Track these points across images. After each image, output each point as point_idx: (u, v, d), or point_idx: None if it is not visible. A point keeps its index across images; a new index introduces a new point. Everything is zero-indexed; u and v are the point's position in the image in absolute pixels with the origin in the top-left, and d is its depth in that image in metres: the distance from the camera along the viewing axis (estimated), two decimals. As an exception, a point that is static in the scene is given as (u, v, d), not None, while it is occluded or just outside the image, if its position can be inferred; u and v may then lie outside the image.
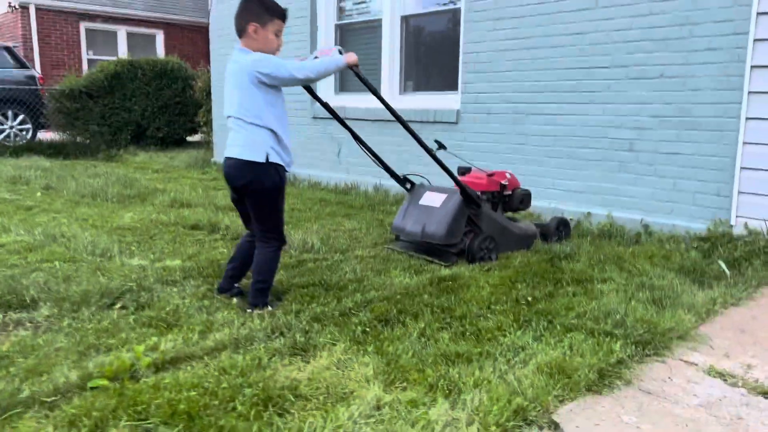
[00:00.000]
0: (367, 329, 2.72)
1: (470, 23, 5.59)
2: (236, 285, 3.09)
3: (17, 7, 15.16)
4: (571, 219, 4.93)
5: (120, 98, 10.92)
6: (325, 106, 3.52)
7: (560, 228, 4.40)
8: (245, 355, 2.42)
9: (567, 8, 4.89)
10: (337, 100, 7.16)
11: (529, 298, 3.17)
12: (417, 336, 2.66)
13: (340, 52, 3.05)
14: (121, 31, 17.03)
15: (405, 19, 6.48)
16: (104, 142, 10.60)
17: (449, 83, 6.09)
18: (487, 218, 3.95)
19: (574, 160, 5.01)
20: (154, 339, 2.53)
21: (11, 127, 10.58)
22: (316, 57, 3.11)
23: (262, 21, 2.82)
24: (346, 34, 7.20)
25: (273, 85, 2.81)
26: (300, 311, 2.91)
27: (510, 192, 4.23)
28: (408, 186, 4.14)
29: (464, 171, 4.19)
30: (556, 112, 5.07)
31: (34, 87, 10.83)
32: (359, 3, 7.06)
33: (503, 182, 4.15)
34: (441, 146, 3.91)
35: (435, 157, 3.80)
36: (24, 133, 10.79)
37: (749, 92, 4.03)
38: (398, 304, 3.02)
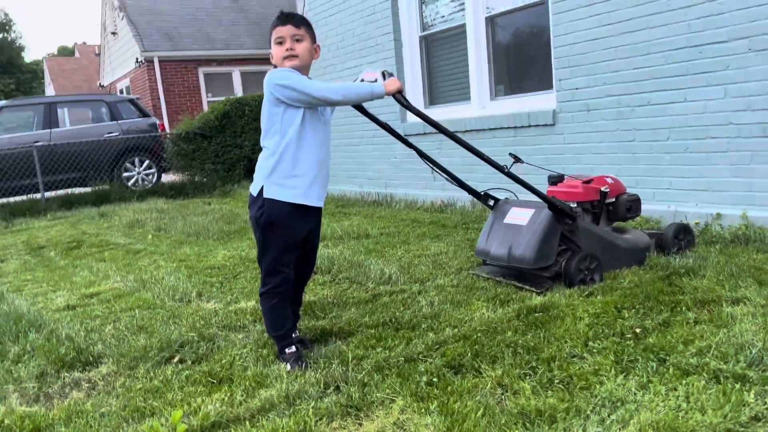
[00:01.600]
0: (435, 379, 2.35)
1: (559, 14, 5.04)
2: (296, 332, 2.84)
3: (144, 61, 16.51)
4: (696, 223, 4.20)
5: (231, 136, 11.39)
6: (385, 126, 3.22)
7: (680, 236, 3.73)
8: (292, 416, 2.15)
9: (668, -20, 4.22)
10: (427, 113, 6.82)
11: (638, 330, 2.62)
12: (492, 387, 2.25)
13: (384, 77, 2.72)
14: (235, 72, 17.98)
15: (489, 21, 6.03)
16: (219, 179, 11.08)
17: (543, 82, 5.54)
18: (586, 233, 3.41)
19: (695, 153, 4.27)
20: (200, 399, 2.34)
21: (138, 173, 11.39)
22: (362, 80, 2.81)
23: (269, 40, 2.67)
24: (431, 45, 6.87)
25: (291, 104, 2.52)
26: (363, 358, 2.60)
27: (613, 199, 3.65)
28: (491, 203, 3.70)
29: (555, 180, 3.68)
30: (667, 101, 4.37)
31: (155, 134, 11.61)
32: (441, 12, 6.72)
33: (603, 189, 3.58)
34: (517, 159, 3.44)
35: (509, 174, 3.34)
36: (150, 177, 11.58)
37: None
38: (475, 345, 2.61)
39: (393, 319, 3.02)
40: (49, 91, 34.54)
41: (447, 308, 3.13)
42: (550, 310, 2.95)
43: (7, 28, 38.51)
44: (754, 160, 3.95)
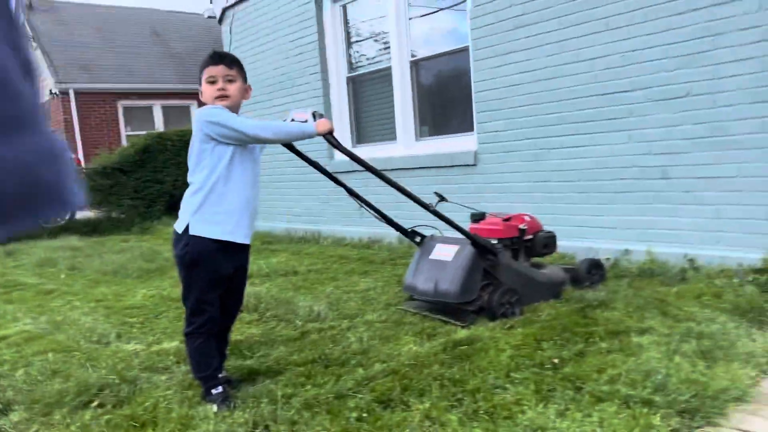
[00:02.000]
0: (364, 414, 2.37)
1: (479, 61, 5.34)
2: (223, 372, 2.79)
3: (58, 93, 15.86)
4: (607, 258, 4.48)
5: (151, 171, 11.08)
6: (314, 164, 3.28)
7: (592, 270, 3.97)
8: (219, 459, 2.11)
9: (575, 34, 4.58)
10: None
11: (556, 360, 2.76)
12: (420, 420, 2.30)
13: (315, 117, 2.80)
14: (156, 106, 17.58)
15: (414, 65, 6.28)
16: (138, 215, 10.72)
17: (465, 125, 5.80)
18: (507, 268, 3.57)
19: (604, 193, 4.59)
20: (121, 445, 2.25)
21: (50, 209, 10.83)
22: (292, 119, 2.86)
23: (200, 78, 2.68)
24: (358, 86, 7.06)
25: (221, 140, 2.52)
26: (292, 396, 2.59)
27: (531, 236, 3.85)
28: (417, 239, 3.81)
29: (478, 218, 3.85)
30: (577, 144, 4.69)
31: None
32: (369, 54, 6.93)
33: (522, 226, 3.78)
34: (441, 198, 3.59)
35: (434, 212, 3.48)
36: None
37: (790, 102, 3.59)
38: (404, 380, 2.66)
39: (322, 356, 3.03)
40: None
41: (376, 344, 3.18)
42: (475, 343, 3.06)
43: None
44: (656, 200, 4.29)
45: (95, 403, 2.66)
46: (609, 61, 4.42)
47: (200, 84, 2.67)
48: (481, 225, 3.78)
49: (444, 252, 3.58)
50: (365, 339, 3.26)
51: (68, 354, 3.42)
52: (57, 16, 17.68)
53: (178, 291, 4.94)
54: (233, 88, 2.63)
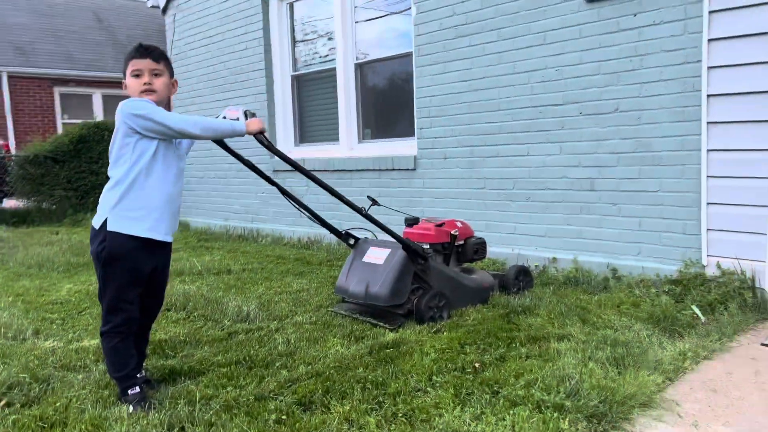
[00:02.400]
0: (284, 417, 2.36)
1: (421, 68, 5.40)
2: (142, 372, 2.72)
3: (-11, 75, 15.10)
4: (536, 266, 4.61)
5: (86, 161, 10.68)
6: (247, 163, 3.24)
7: (520, 277, 4.08)
8: (129, 461, 2.06)
9: (514, 46, 4.70)
10: (297, 152, 6.93)
11: (477, 365, 2.82)
12: (339, 422, 2.31)
13: (246, 116, 2.76)
14: (97, 94, 16.96)
15: (359, 67, 6.30)
16: (71, 207, 10.31)
17: (406, 129, 5.86)
18: (436, 273, 3.63)
19: (535, 202, 4.72)
20: (26, 447, 2.17)
21: (-25, 197, 10.31)
22: (224, 117, 2.81)
23: (124, 70, 2.60)
24: (302, 85, 7.02)
25: (146, 134, 2.44)
26: (212, 398, 2.55)
27: (462, 242, 3.93)
28: (351, 242, 3.83)
29: (411, 222, 3.90)
30: (512, 154, 4.82)
31: (-2, 155, 10.61)
32: (314, 53, 6.91)
33: (453, 232, 3.85)
34: (374, 202, 3.63)
35: (367, 216, 3.51)
36: (-11, 201, 10.51)
37: (708, 123, 3.79)
38: (327, 382, 2.67)
39: (247, 358, 3.00)
40: None
41: (303, 345, 3.17)
42: (401, 346, 3.09)
43: None
44: (583, 211, 4.45)
45: (2, 402, 2.55)
46: (544, 74, 4.55)
47: (125, 77, 2.60)
48: (414, 229, 3.83)
49: (376, 255, 3.61)
50: (293, 341, 3.25)
51: (-21, 350, 3.26)
52: (-8, -5, 16.82)
53: (105, 287, 4.81)
54: (159, 83, 2.57)
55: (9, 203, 10.82)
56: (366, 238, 3.86)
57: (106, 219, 2.47)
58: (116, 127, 2.49)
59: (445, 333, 3.28)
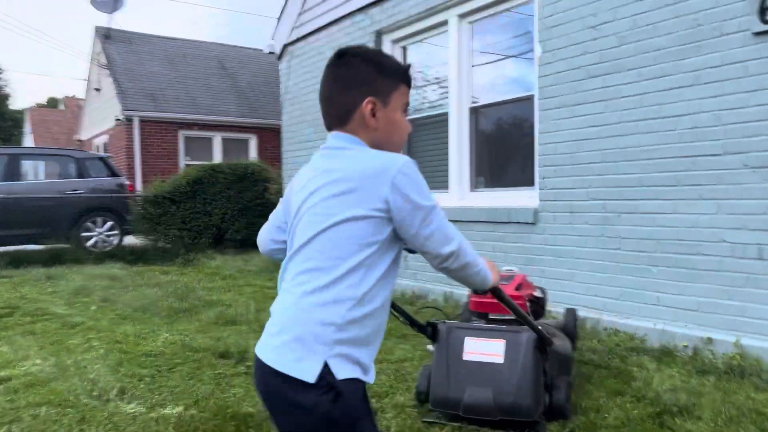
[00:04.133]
0: None
1: (545, 111, 4.86)
2: None
3: (124, 119, 16.29)
4: (684, 346, 3.84)
5: (201, 202, 10.98)
6: None
7: (576, 323, 3.47)
8: None
9: (657, 88, 4.05)
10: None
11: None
12: None
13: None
14: (217, 138, 17.81)
15: (474, 111, 5.86)
16: (184, 246, 10.56)
17: (525, 179, 5.30)
18: (553, 355, 2.96)
19: (684, 269, 3.97)
20: None
21: (99, 234, 10.85)
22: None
23: (382, 91, 1.53)
24: (413, 131, 6.68)
25: (395, 235, 1.45)
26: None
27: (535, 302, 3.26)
28: (429, 331, 2.96)
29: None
30: (654, 211, 4.11)
31: (122, 195, 11.16)
32: (426, 98, 6.57)
33: (537, 294, 3.24)
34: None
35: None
36: (112, 239, 11.03)
37: None
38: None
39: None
40: (28, 140, 34.12)
41: (404, 437, 2.67)
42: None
43: (-6, 74, 38.43)
44: (748, 284, 3.65)
45: (65, 488, 2.25)
46: (697, 119, 3.86)
47: (384, 103, 1.54)
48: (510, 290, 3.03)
49: (485, 350, 2.81)
50: (393, 428, 2.76)
51: (62, 410, 3.07)
52: (131, 47, 18.32)
53: (201, 338, 4.61)
54: None
55: (129, 240, 11.31)
56: (445, 323, 2.96)
57: (325, 361, 1.36)
58: (358, 194, 1.42)
59: (576, 435, 2.65)
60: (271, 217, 1.71)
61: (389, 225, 1.42)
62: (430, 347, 3.64)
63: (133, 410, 3.06)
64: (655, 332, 4.05)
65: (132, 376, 3.65)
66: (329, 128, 1.57)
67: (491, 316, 3.10)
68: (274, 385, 1.39)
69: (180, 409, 3.06)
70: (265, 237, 1.72)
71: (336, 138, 1.53)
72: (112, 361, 3.98)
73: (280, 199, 1.67)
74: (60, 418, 2.95)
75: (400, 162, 1.41)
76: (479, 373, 2.75)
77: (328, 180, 1.46)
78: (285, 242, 1.58)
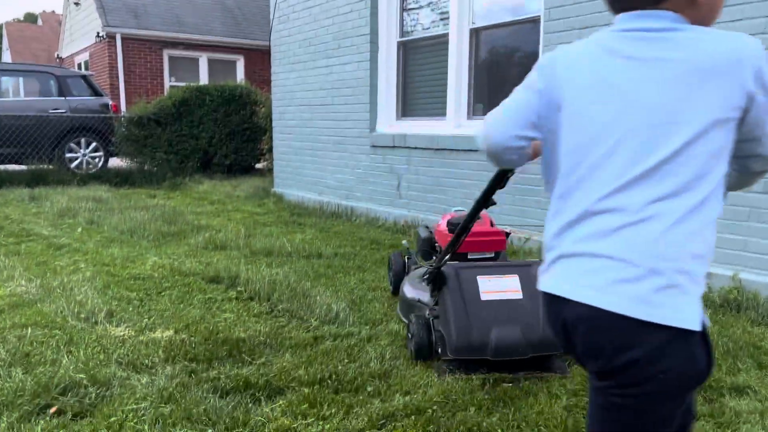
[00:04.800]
0: (375, 473, 1.83)
1: (550, 34, 4.62)
2: None
3: (105, 36, 15.61)
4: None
5: (188, 125, 10.68)
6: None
7: None
8: None
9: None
10: (397, 127, 6.36)
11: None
12: (447, 493, 1.75)
13: None
14: (203, 58, 17.20)
15: (474, 33, 5.59)
16: (171, 170, 10.34)
17: (525, 106, 5.11)
18: None
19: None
20: (65, 481, 1.77)
21: (84, 155, 10.57)
22: None
23: None
24: (409, 53, 6.40)
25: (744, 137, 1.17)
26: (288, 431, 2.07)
27: None
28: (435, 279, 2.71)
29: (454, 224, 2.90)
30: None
31: (106, 115, 10.80)
32: (424, 19, 6.25)
33: (508, 230, 3.16)
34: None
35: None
36: (96, 161, 10.76)
37: None
38: (430, 425, 2.12)
39: (333, 375, 2.50)
40: (6, 57, 32.83)
41: (399, 366, 2.63)
42: (520, 382, 2.48)
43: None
44: (751, 218, 3.58)
45: (53, 410, 2.19)
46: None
47: None
48: (477, 236, 2.91)
49: (501, 287, 2.65)
50: (387, 357, 2.72)
51: (49, 332, 2.98)
52: (111, -42, 17.32)
53: (190, 262, 4.53)
54: None
55: (114, 162, 11.05)
56: (453, 265, 2.72)
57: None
58: (714, 95, 1.11)
59: (573, 367, 2.62)
60: (512, 104, 1.34)
61: (737, 128, 1.14)
62: (405, 242, 3.59)
63: (122, 333, 2.99)
64: (651, 265, 4.01)
65: (120, 299, 3.57)
66: (625, 8, 1.21)
67: (470, 256, 2.97)
68: (630, 340, 1.10)
69: (170, 332, 2.99)
70: (506, 128, 1.32)
71: (654, 17, 1.17)
72: (100, 283, 3.89)
73: (528, 88, 1.32)
74: (47, 339, 2.87)
75: (755, 45, 1.12)
76: (503, 312, 2.56)
77: (663, 73, 1.13)
78: (530, 141, 1.30)
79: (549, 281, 1.23)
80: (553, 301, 1.21)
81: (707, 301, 3.50)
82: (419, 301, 2.89)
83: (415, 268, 3.37)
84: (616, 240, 1.13)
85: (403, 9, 6.37)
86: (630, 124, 1.15)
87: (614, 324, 1.11)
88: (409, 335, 2.73)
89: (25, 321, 3.14)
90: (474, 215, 2.27)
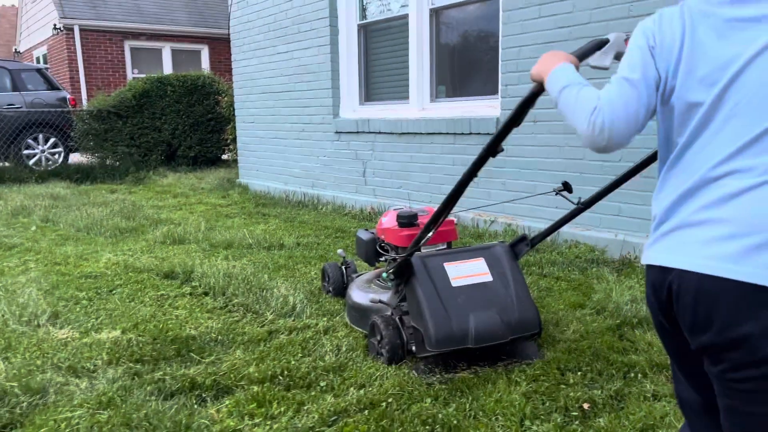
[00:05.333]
0: (322, 475, 1.73)
1: (509, 12, 4.52)
2: None
3: (62, 28, 15.10)
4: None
5: (149, 117, 10.38)
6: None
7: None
8: None
9: (633, -18, 3.76)
10: (361, 112, 6.22)
11: (585, 405, 2.09)
12: (397, 492, 1.65)
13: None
14: (166, 48, 16.76)
15: (434, 13, 5.46)
16: (134, 164, 10.06)
17: (488, 87, 5.03)
18: None
19: (648, 178, 3.82)
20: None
21: (42, 151, 10.23)
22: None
23: None
24: (370, 36, 6.25)
25: None
26: (234, 433, 1.95)
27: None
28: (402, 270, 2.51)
29: (411, 218, 2.79)
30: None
31: (64, 109, 10.45)
32: (385, 0, 6.11)
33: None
34: (566, 188, 2.61)
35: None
36: (56, 157, 10.42)
37: None
38: (383, 420, 2.02)
39: (285, 372, 2.38)
40: (-37, 52, 31.72)
41: (356, 358, 2.52)
42: (479, 371, 2.39)
43: None
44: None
45: (-20, 422, 2.05)
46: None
47: None
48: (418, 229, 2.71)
49: (470, 271, 2.51)
50: (344, 348, 2.61)
51: (-14, 337, 2.82)
52: (65, -53, 16.73)
53: (145, 258, 4.36)
54: None
55: (75, 158, 10.72)
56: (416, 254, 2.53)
57: None
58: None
59: (543, 350, 2.55)
60: (627, 84, 1.26)
61: None
62: (341, 251, 3.45)
63: (64, 335, 2.83)
64: (615, 243, 3.97)
65: (68, 300, 3.40)
66: None
67: (424, 249, 2.74)
68: (745, 313, 1.06)
69: (117, 333, 2.85)
70: (628, 128, 1.24)
71: None
72: (48, 284, 3.71)
73: (637, 51, 1.26)
74: (-17, 346, 2.71)
75: None
76: (476, 297, 2.43)
77: None
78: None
79: (656, 253, 1.21)
80: (660, 272, 1.19)
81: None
82: (380, 301, 2.70)
83: (357, 276, 3.20)
84: (736, 205, 1.11)
85: (363, -9, 6.22)
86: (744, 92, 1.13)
87: (729, 293, 1.08)
88: (376, 340, 2.53)
89: (-38, 327, 2.97)
90: (456, 196, 2.13)
